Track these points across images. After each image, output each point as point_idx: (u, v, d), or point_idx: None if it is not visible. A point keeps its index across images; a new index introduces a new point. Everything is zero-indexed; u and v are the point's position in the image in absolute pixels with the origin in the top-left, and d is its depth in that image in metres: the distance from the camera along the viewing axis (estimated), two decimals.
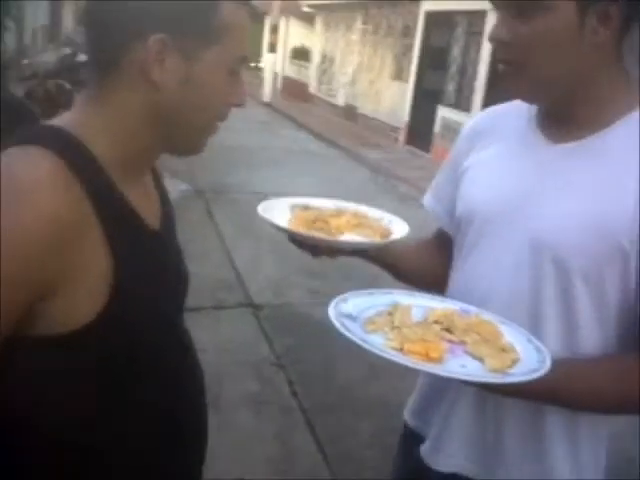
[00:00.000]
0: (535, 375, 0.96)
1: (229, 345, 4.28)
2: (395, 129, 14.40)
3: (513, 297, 1.17)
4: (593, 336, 1.13)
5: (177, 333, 1.14)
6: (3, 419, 0.93)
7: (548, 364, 0.99)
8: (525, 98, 1.20)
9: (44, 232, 0.84)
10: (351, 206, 1.43)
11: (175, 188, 7.53)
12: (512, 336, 1.09)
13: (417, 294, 1.24)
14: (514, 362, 1.01)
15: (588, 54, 1.09)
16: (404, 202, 8.89)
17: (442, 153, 10.79)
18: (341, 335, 1.02)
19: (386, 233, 1.32)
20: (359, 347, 0.99)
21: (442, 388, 1.30)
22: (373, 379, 3.95)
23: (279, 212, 1.32)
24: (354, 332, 1.03)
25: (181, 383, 1.11)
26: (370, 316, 1.12)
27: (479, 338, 1.07)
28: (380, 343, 1.03)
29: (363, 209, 1.43)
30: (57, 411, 0.94)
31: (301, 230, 1.25)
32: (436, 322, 1.12)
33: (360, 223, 1.33)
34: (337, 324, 1.04)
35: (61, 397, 0.93)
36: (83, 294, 0.90)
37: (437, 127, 12.38)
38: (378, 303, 1.17)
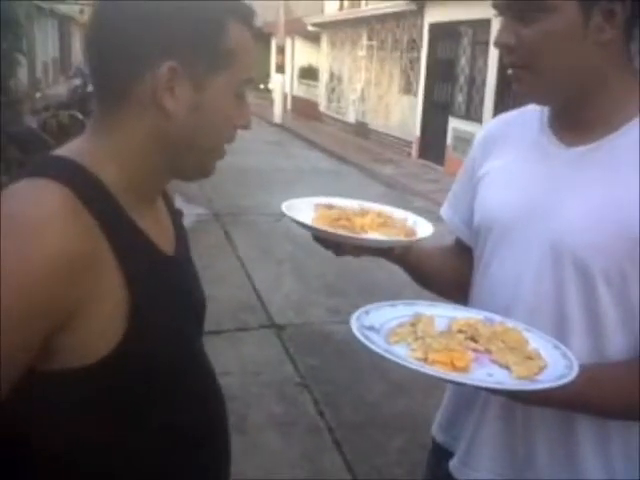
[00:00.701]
0: (563, 381, 0.95)
1: (253, 367, 4.27)
2: (407, 143, 14.40)
3: (537, 302, 1.16)
4: (619, 339, 1.12)
5: (196, 358, 1.13)
6: (20, 448, 0.92)
7: (576, 369, 0.98)
8: (536, 100, 1.21)
9: (55, 267, 0.83)
10: (375, 206, 1.42)
11: (191, 212, 7.59)
12: (538, 343, 1.08)
13: (439, 304, 1.23)
14: (541, 369, 1.00)
15: (595, 53, 1.09)
16: (420, 216, 8.86)
17: (455, 165, 10.76)
18: (364, 347, 1.00)
19: (411, 233, 1.31)
20: (383, 359, 0.98)
21: (469, 401, 1.29)
22: (399, 395, 3.93)
23: (303, 211, 1.31)
24: (377, 344, 1.01)
25: (201, 408, 1.10)
26: (392, 327, 1.11)
27: (504, 346, 1.06)
28: (404, 354, 1.02)
29: (387, 209, 1.42)
30: (73, 439, 0.93)
31: (326, 227, 1.24)
32: (460, 331, 1.11)
33: (385, 222, 1.32)
34: (360, 336, 1.03)
35: (78, 426, 0.92)
36: (100, 326, 0.89)
37: (449, 139, 12.37)
38: (400, 315, 1.16)
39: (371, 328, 1.08)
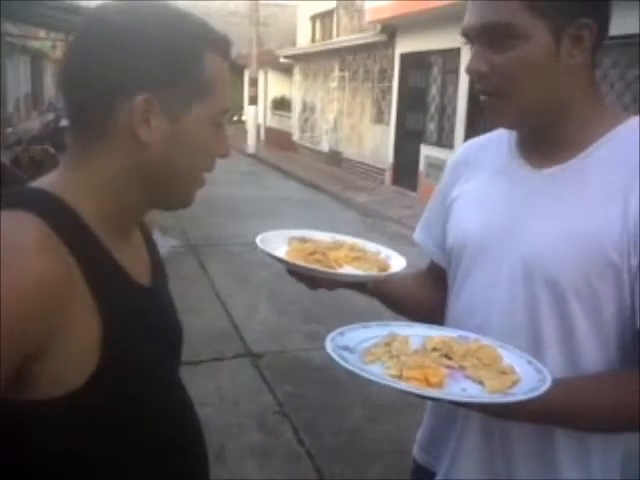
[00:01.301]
0: (535, 393, 0.96)
1: (231, 396, 4.23)
2: (380, 171, 14.52)
3: (511, 322, 1.18)
4: (594, 354, 1.13)
5: (173, 389, 1.12)
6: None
7: (548, 383, 0.99)
8: (508, 126, 1.22)
9: (29, 297, 0.82)
10: (348, 239, 1.43)
11: (166, 244, 7.56)
12: (512, 359, 1.09)
13: (414, 324, 1.24)
14: (514, 383, 1.01)
15: (565, 77, 1.12)
16: (394, 241, 8.90)
17: (428, 191, 10.84)
18: (340, 367, 1.01)
19: (384, 266, 1.32)
20: (361, 381, 0.99)
21: (449, 419, 1.30)
22: (379, 420, 3.92)
23: (277, 244, 1.32)
24: (352, 363, 1.02)
25: (178, 440, 1.08)
26: (367, 347, 1.12)
27: (478, 362, 1.08)
28: (379, 372, 1.02)
29: (360, 242, 1.43)
30: (42, 468, 0.92)
31: (300, 262, 1.25)
32: (434, 349, 1.12)
33: (358, 256, 1.33)
34: (335, 356, 1.03)
35: (51, 459, 0.91)
36: (72, 357, 0.88)
37: (421, 166, 12.49)
38: (375, 335, 1.17)
39: (345, 348, 1.09)
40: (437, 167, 11.41)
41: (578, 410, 1.10)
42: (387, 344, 1.13)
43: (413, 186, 12.72)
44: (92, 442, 0.93)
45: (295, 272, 1.28)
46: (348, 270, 1.29)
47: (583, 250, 1.09)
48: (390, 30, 13.57)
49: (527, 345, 1.15)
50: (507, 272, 1.18)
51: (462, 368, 1.07)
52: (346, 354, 1.06)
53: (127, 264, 1.00)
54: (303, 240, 1.37)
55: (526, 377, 1.03)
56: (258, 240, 1.31)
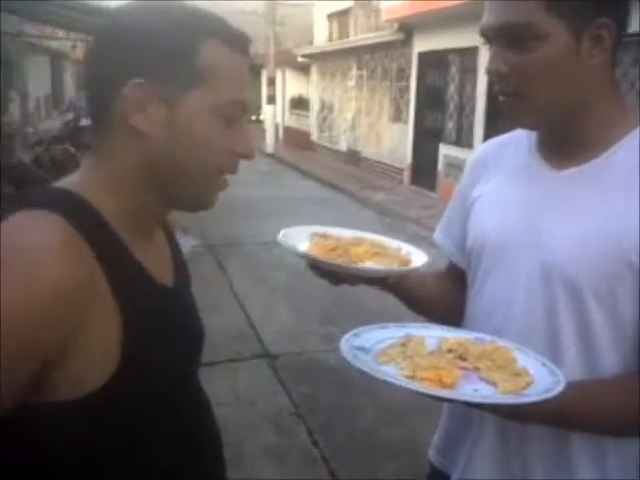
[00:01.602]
0: (548, 395, 0.96)
1: (247, 397, 4.24)
2: (399, 170, 14.48)
3: (529, 323, 1.17)
4: (612, 355, 1.12)
5: (192, 391, 1.13)
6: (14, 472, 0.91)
7: (562, 385, 0.98)
8: (528, 126, 1.21)
9: (53, 299, 0.82)
10: (369, 236, 1.43)
11: (186, 244, 7.58)
12: (526, 361, 1.09)
13: (431, 326, 1.24)
14: (528, 385, 1.01)
15: (586, 78, 1.11)
16: (413, 242, 8.84)
17: (447, 191, 10.81)
18: (354, 368, 1.01)
19: (405, 262, 1.32)
20: (376, 383, 0.99)
21: (465, 421, 1.30)
22: (394, 422, 3.90)
23: (299, 240, 1.32)
24: (366, 363, 1.02)
25: (196, 442, 1.08)
26: (383, 348, 1.11)
27: (492, 364, 1.07)
28: (392, 373, 1.02)
29: (381, 239, 1.43)
30: (64, 471, 0.92)
31: (323, 257, 1.25)
32: (450, 350, 1.12)
33: (379, 252, 1.33)
34: (349, 357, 1.03)
35: (68, 460, 0.91)
36: (92, 358, 0.88)
37: (440, 165, 12.44)
38: (391, 336, 1.17)
39: (361, 349, 1.09)
40: (456, 167, 11.35)
41: (592, 413, 1.10)
42: (403, 345, 1.13)
43: (432, 186, 12.67)
44: (110, 442, 0.93)
45: (316, 267, 1.28)
46: (369, 265, 1.28)
47: (602, 252, 1.08)
48: (407, 29, 13.52)
49: (545, 345, 1.15)
50: (526, 273, 1.18)
51: (476, 369, 1.07)
52: (360, 354, 1.06)
53: (149, 264, 1.00)
54: (325, 236, 1.37)
55: (540, 379, 1.03)
56: (280, 235, 1.30)
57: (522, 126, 1.22)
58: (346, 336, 1.12)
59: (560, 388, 0.97)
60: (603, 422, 1.11)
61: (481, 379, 1.05)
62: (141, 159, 0.96)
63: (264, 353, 4.99)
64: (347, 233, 1.42)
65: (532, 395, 0.97)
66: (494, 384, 1.02)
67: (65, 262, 0.84)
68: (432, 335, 1.18)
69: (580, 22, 1.07)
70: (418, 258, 1.35)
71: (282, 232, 1.32)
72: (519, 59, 1.09)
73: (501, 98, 1.15)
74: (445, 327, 1.24)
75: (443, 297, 1.46)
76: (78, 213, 0.90)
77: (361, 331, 1.16)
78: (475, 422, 1.26)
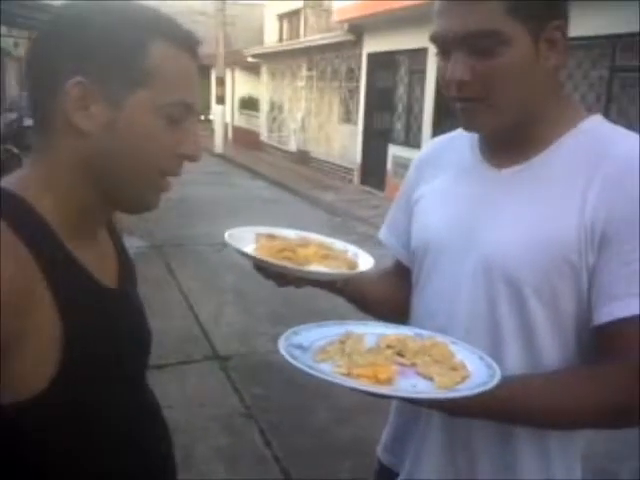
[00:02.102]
0: (482, 388, 0.96)
1: (197, 399, 4.20)
2: (348, 170, 14.56)
3: (472, 321, 1.18)
4: (553, 350, 1.14)
5: (139, 392, 1.11)
6: None
7: (497, 378, 0.99)
8: (488, 131, 1.20)
9: None
10: (315, 236, 1.42)
11: (132, 245, 7.47)
12: (464, 355, 1.10)
13: (370, 323, 1.24)
14: (464, 379, 1.02)
15: (542, 80, 1.12)
16: (363, 241, 8.93)
17: (396, 190, 10.83)
18: (290, 365, 1.00)
19: (353, 265, 1.32)
20: (324, 383, 0.98)
21: (412, 421, 1.30)
22: (346, 421, 3.92)
23: (245, 241, 1.31)
24: (302, 361, 1.01)
25: (145, 443, 1.07)
26: (322, 345, 1.11)
27: (430, 359, 1.08)
28: (328, 370, 1.02)
29: (328, 240, 1.43)
30: (9, 475, 0.90)
31: (271, 259, 1.24)
32: (388, 347, 1.12)
33: (327, 254, 1.33)
34: (285, 354, 1.02)
35: (15, 463, 0.90)
36: (34, 360, 0.87)
37: (389, 165, 12.56)
38: (331, 334, 1.16)
39: (299, 347, 1.08)
40: (405, 167, 11.45)
41: (528, 406, 1.10)
42: (342, 342, 1.13)
43: (381, 185, 12.78)
44: (55, 445, 0.92)
45: (263, 269, 1.27)
46: (318, 268, 1.28)
47: (541, 250, 1.10)
48: (357, 30, 13.61)
49: (487, 342, 1.16)
50: (467, 272, 1.19)
51: (414, 365, 1.07)
52: (297, 352, 1.05)
53: (91, 265, 0.98)
54: (271, 237, 1.36)
55: (477, 373, 1.04)
56: (226, 236, 1.29)
57: (482, 131, 1.21)
58: (285, 334, 1.11)
59: (495, 381, 0.98)
60: (538, 416, 1.11)
61: (418, 374, 1.05)
62: (82, 158, 0.94)
63: (214, 355, 4.95)
64: (292, 234, 1.42)
65: (466, 389, 0.98)
66: (431, 379, 1.03)
67: (1, 266, 0.82)
68: (372, 332, 1.18)
69: (538, 25, 1.08)
70: (365, 261, 1.35)
71: (228, 233, 1.31)
72: (483, 65, 1.08)
73: (459, 105, 1.14)
74: (385, 324, 1.24)
75: (391, 296, 1.46)
76: (16, 213, 0.88)
77: (300, 329, 1.16)
78: (422, 420, 1.27)
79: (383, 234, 1.49)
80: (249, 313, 5.73)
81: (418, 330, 1.20)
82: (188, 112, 0.98)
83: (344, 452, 3.64)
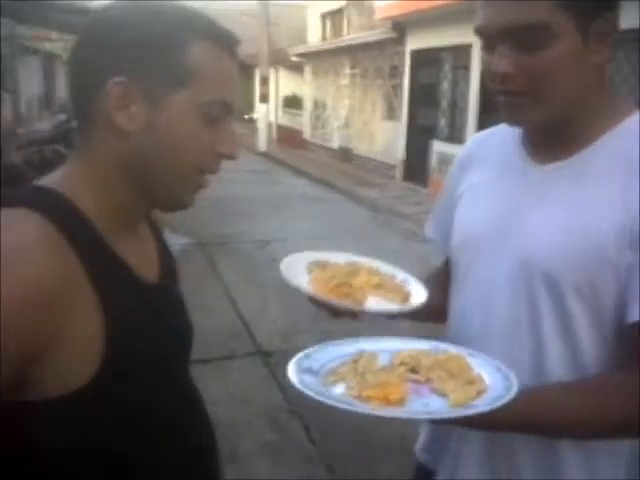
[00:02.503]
0: (496, 404, 0.93)
1: (242, 395, 4.23)
2: (391, 167, 14.49)
3: (511, 320, 1.16)
4: (594, 350, 1.11)
5: (181, 387, 1.11)
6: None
7: (513, 391, 0.96)
8: (533, 125, 1.17)
9: (31, 299, 0.81)
10: (363, 261, 1.43)
11: (176, 242, 7.56)
12: (481, 367, 1.07)
13: (384, 339, 1.21)
14: (480, 393, 0.99)
15: (591, 74, 1.09)
16: (407, 238, 8.89)
17: (439, 187, 10.76)
18: (300, 392, 0.97)
19: (406, 296, 1.32)
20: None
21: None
22: (388, 419, 3.89)
23: (298, 273, 1.31)
24: (311, 387, 0.98)
25: (187, 439, 1.07)
26: (333, 367, 1.09)
27: (445, 374, 1.05)
28: (340, 393, 1.00)
29: (375, 265, 1.43)
30: (55, 469, 0.91)
31: (331, 297, 1.24)
32: (402, 364, 1.09)
33: (380, 284, 1.33)
34: (295, 381, 1.00)
35: (59, 459, 0.91)
36: (76, 354, 0.87)
37: (433, 162, 12.47)
38: (343, 353, 1.14)
39: (309, 370, 1.06)
40: (448, 163, 11.32)
41: (545, 418, 1.07)
42: (354, 362, 1.10)
43: (424, 182, 12.69)
44: (98, 439, 0.92)
45: (317, 302, 1.26)
46: (374, 301, 1.28)
47: (582, 247, 1.07)
48: (400, 27, 13.54)
49: (528, 341, 1.14)
50: (506, 270, 1.17)
51: (428, 381, 1.04)
52: (307, 377, 1.03)
53: (133, 260, 0.99)
54: (323, 266, 1.37)
55: (493, 385, 1.01)
56: (282, 269, 1.29)
57: (524, 125, 1.18)
58: (295, 358, 1.09)
59: (511, 395, 0.95)
60: (560, 427, 1.09)
61: (432, 391, 1.02)
62: (122, 157, 0.95)
63: (257, 351, 4.98)
64: (341, 259, 1.42)
65: (482, 405, 0.95)
66: (445, 395, 1.00)
67: (43, 260, 0.83)
68: (385, 349, 1.15)
69: (588, 18, 1.04)
70: (417, 291, 1.34)
71: (283, 264, 1.31)
72: (530, 59, 1.05)
73: (503, 98, 1.11)
74: (401, 338, 1.21)
75: (445, 299, 1.41)
76: (58, 210, 0.90)
77: (311, 351, 1.13)
78: None
79: (428, 230, 1.48)
80: (291, 310, 5.74)
81: (435, 342, 1.17)
82: (227, 111, 0.98)
83: (387, 450, 3.62)
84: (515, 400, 0.95)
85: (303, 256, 1.40)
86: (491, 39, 1.09)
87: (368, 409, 0.95)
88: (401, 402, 0.98)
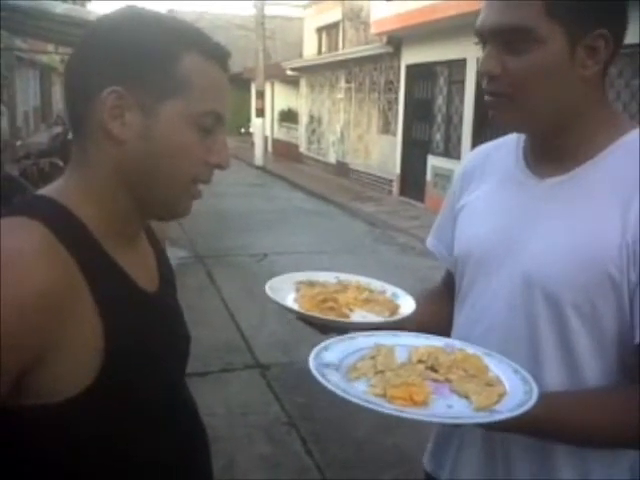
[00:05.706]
0: (521, 410, 0.94)
1: (239, 408, 4.23)
2: (387, 181, 14.53)
3: (511, 334, 1.17)
4: (593, 368, 1.11)
5: (178, 397, 1.12)
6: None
7: (535, 396, 0.97)
8: (512, 127, 1.20)
9: (30, 306, 0.82)
10: (352, 278, 1.44)
11: (174, 255, 7.57)
12: (498, 368, 1.08)
13: (400, 333, 1.21)
14: (501, 396, 0.99)
15: (577, 87, 1.10)
16: (403, 252, 8.91)
17: (435, 201, 10.87)
18: (323, 387, 0.97)
19: (394, 308, 1.32)
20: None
21: (450, 429, 1.30)
22: (387, 431, 3.89)
23: (285, 291, 1.33)
24: (335, 383, 0.99)
25: (183, 449, 1.09)
26: (353, 362, 1.09)
27: (464, 374, 1.06)
28: (363, 391, 1.00)
29: (364, 281, 1.44)
30: (53, 474, 0.93)
31: (315, 313, 1.24)
32: (420, 361, 1.10)
33: (368, 298, 1.34)
34: (317, 375, 1.00)
35: (57, 463, 0.92)
36: (74, 363, 0.89)
37: (429, 176, 12.50)
38: (361, 347, 1.14)
39: (329, 365, 1.06)
40: (444, 177, 11.43)
41: (565, 426, 1.08)
42: (372, 357, 1.10)
43: (420, 197, 12.73)
44: (94, 446, 0.94)
45: (305, 319, 1.27)
46: (360, 315, 1.29)
47: (582, 266, 1.08)
48: (396, 41, 13.62)
49: (526, 356, 1.14)
50: (507, 284, 1.18)
51: (448, 381, 1.05)
52: (328, 372, 1.03)
53: (131, 269, 1.01)
54: (310, 284, 1.38)
55: (513, 389, 1.02)
56: (267, 289, 1.30)
57: (507, 126, 1.20)
58: (314, 351, 1.08)
59: (532, 401, 0.96)
60: (577, 435, 1.10)
61: (453, 392, 1.02)
62: (118, 166, 0.97)
63: (256, 363, 4.98)
64: (330, 277, 1.43)
65: (505, 410, 0.95)
66: (467, 397, 1.00)
67: (43, 268, 0.84)
68: (401, 344, 1.16)
69: (578, 30, 1.06)
70: (405, 302, 1.34)
71: (268, 284, 1.32)
72: (514, 61, 1.08)
73: (487, 97, 1.14)
74: (413, 334, 1.21)
75: (444, 315, 1.40)
76: (57, 219, 0.91)
77: (329, 344, 1.13)
78: (459, 430, 1.27)
79: (430, 242, 1.48)
80: (289, 323, 5.70)
81: (449, 340, 1.18)
82: (218, 122, 1.01)
83: (386, 462, 3.62)
84: (535, 406, 0.96)
85: (291, 276, 1.42)
86: (483, 39, 1.13)
87: (396, 410, 0.95)
88: (425, 403, 0.98)
